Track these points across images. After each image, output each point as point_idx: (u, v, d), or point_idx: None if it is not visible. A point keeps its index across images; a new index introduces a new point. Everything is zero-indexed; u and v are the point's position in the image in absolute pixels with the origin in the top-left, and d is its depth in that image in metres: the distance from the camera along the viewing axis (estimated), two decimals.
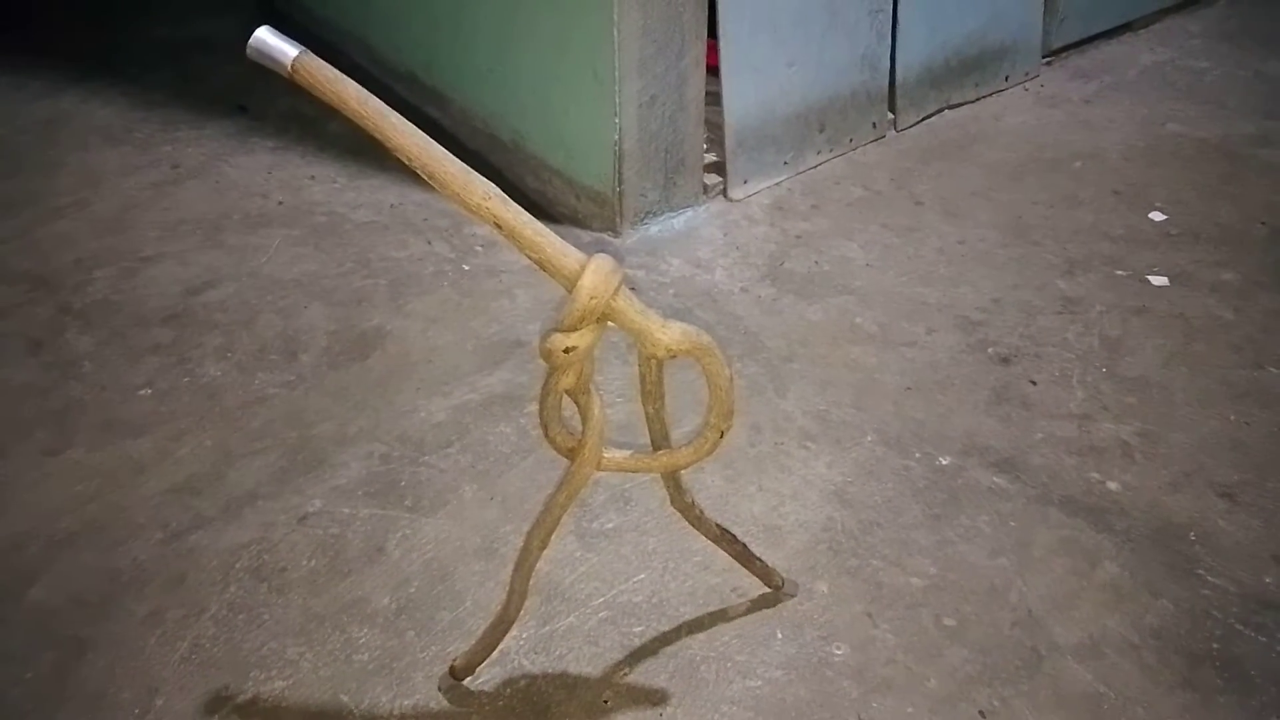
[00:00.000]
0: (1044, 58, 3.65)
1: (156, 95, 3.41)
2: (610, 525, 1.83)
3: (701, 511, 1.53)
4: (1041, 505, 1.88)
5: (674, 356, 1.21)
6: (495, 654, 1.57)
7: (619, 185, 2.58)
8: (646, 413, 1.34)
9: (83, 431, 2.04)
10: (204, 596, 1.70)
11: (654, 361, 1.26)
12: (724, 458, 1.96)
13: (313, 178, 2.95)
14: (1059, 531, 1.83)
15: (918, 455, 1.99)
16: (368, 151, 2.95)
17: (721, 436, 1.28)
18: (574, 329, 1.16)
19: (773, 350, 2.27)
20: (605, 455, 1.31)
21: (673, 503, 1.49)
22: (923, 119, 3.26)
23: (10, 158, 3.05)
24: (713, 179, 2.82)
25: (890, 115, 3.17)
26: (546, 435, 1.30)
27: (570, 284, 1.13)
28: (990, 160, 3.09)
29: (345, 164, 3.00)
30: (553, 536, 1.38)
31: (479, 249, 2.62)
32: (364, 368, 2.21)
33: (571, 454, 1.31)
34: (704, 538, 1.58)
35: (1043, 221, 2.78)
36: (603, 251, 1.17)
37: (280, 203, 2.83)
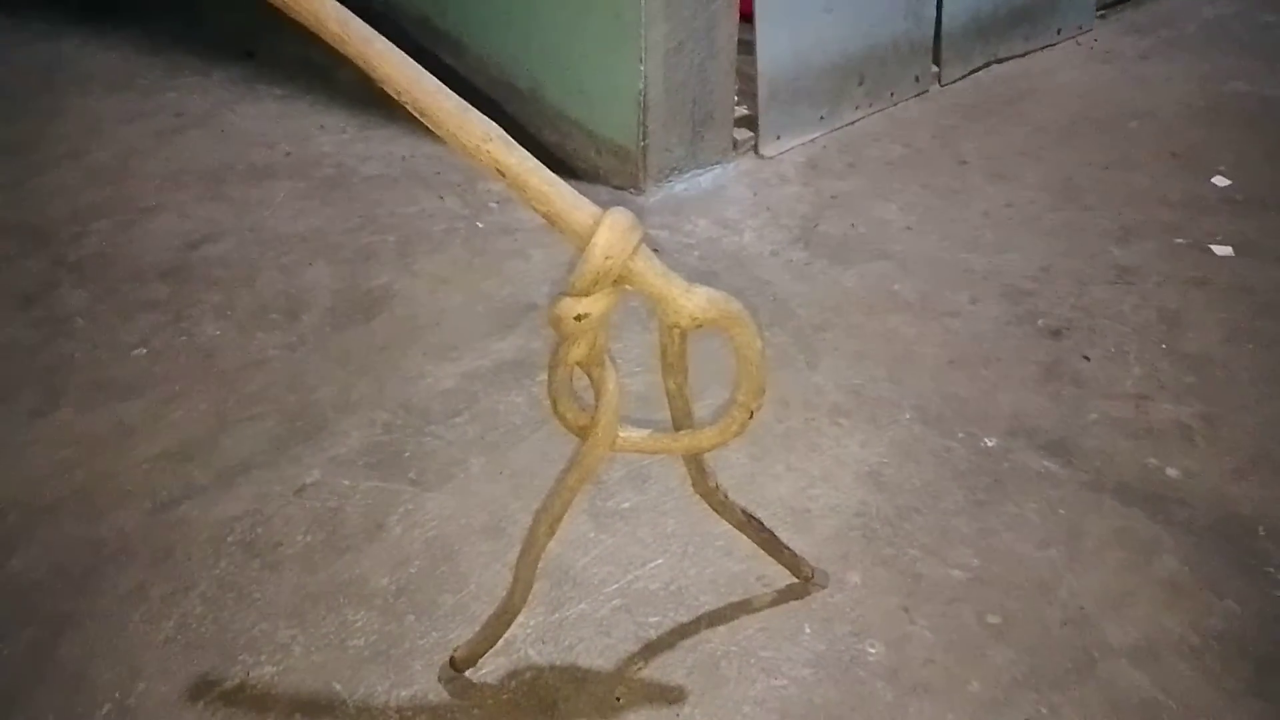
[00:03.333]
0: (1098, 10, 3.43)
1: (161, 40, 3.26)
2: (626, 505, 1.70)
3: (726, 496, 1.40)
4: (1094, 492, 1.74)
5: (699, 326, 1.07)
6: (500, 643, 1.45)
7: (643, 139, 2.42)
8: (668, 389, 1.20)
9: (72, 392, 1.94)
10: (192, 572, 1.59)
11: (677, 331, 1.12)
12: (748, 434, 1.82)
13: (321, 127, 2.81)
14: (1113, 521, 1.69)
15: (960, 435, 1.84)
16: (379, 102, 2.78)
17: (751, 416, 1.14)
18: (586, 293, 1.02)
19: (804, 319, 2.12)
20: (621, 435, 1.18)
21: (694, 487, 1.36)
22: (969, 73, 3.07)
23: (6, 103, 2.92)
24: (743, 134, 2.65)
25: (934, 68, 2.98)
26: (555, 412, 1.17)
27: (582, 242, 0.99)
28: (1040, 118, 2.89)
29: (355, 114, 2.86)
30: (562, 521, 1.25)
31: (494, 205, 2.48)
32: (368, 330, 2.09)
33: (583, 433, 1.18)
34: (728, 523, 1.45)
35: (1095, 184, 2.60)
36: (622, 208, 1.02)
37: (287, 153, 2.69)
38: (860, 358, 2.02)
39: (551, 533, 1.25)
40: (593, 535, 1.65)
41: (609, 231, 0.99)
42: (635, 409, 1.83)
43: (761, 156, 2.65)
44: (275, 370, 1.98)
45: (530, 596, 1.44)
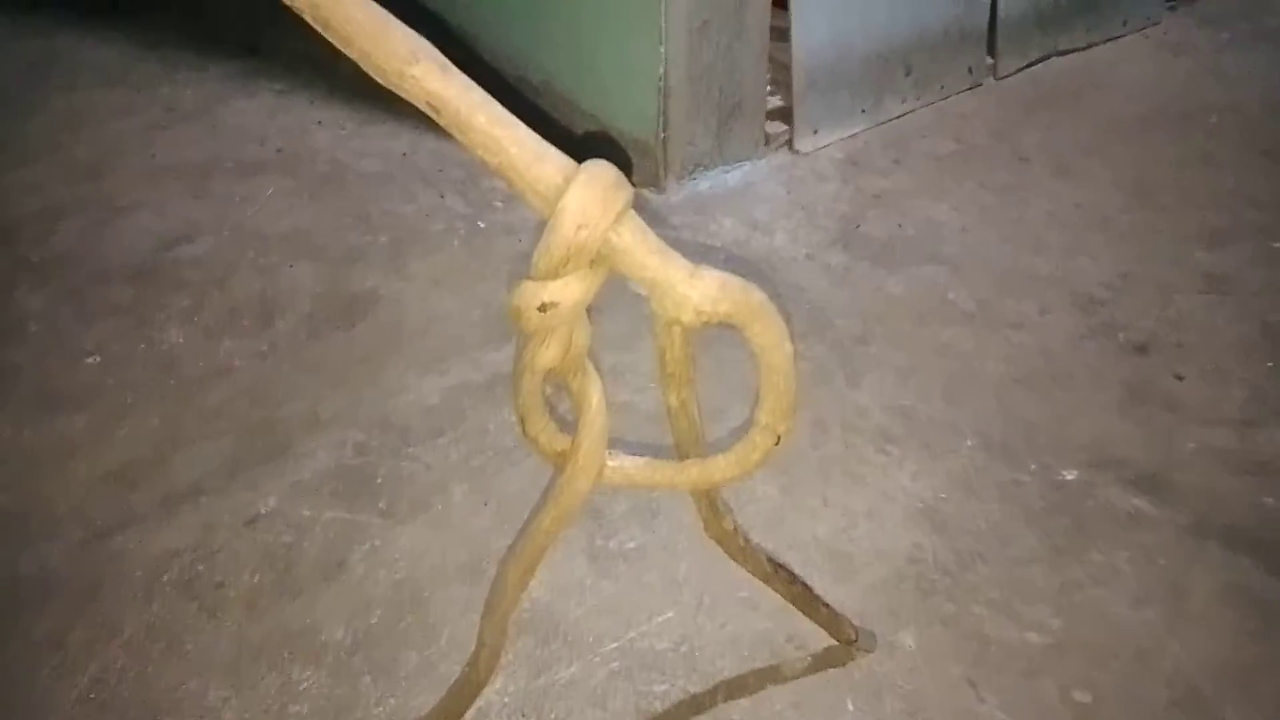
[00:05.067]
0: (1168, 3, 3.13)
1: (159, 35, 3.08)
2: (632, 545, 1.44)
3: (747, 540, 1.12)
4: (1197, 538, 1.44)
5: (708, 323, 0.81)
6: (469, 717, 1.19)
7: (663, 130, 2.17)
8: (668, 405, 0.94)
9: (13, 404, 1.72)
10: (119, 615, 1.35)
11: (678, 329, 0.86)
12: (778, 460, 1.55)
13: (319, 123, 2.59)
14: (1222, 574, 1.39)
15: (1032, 467, 1.55)
16: (383, 96, 2.58)
17: (777, 443, 0.87)
18: (554, 275, 0.76)
19: (843, 329, 1.85)
20: (609, 464, 0.92)
21: (707, 529, 1.09)
22: (1026, 65, 2.78)
23: None
24: (776, 127, 2.39)
25: (989, 60, 2.70)
26: (524, 434, 0.91)
27: (548, 206, 0.74)
28: (1107, 113, 2.60)
29: (356, 109, 2.64)
30: (535, 572, 0.99)
31: (498, 204, 2.24)
32: (349, 338, 1.85)
33: (561, 461, 0.92)
34: (752, 574, 1.18)
35: (1173, 184, 2.30)
36: (603, 161, 0.76)
37: (279, 149, 2.48)
38: (910, 374, 1.74)
39: (523, 585, 0.99)
40: (589, 581, 1.38)
41: (584, 191, 0.73)
42: (643, 429, 1.57)
43: (796, 152, 2.38)
44: (240, 382, 1.74)
45: (508, 656, 1.18)
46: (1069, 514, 1.48)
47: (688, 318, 0.80)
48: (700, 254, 2.05)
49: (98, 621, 1.35)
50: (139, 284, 2.01)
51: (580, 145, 2.35)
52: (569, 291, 0.77)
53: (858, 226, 2.14)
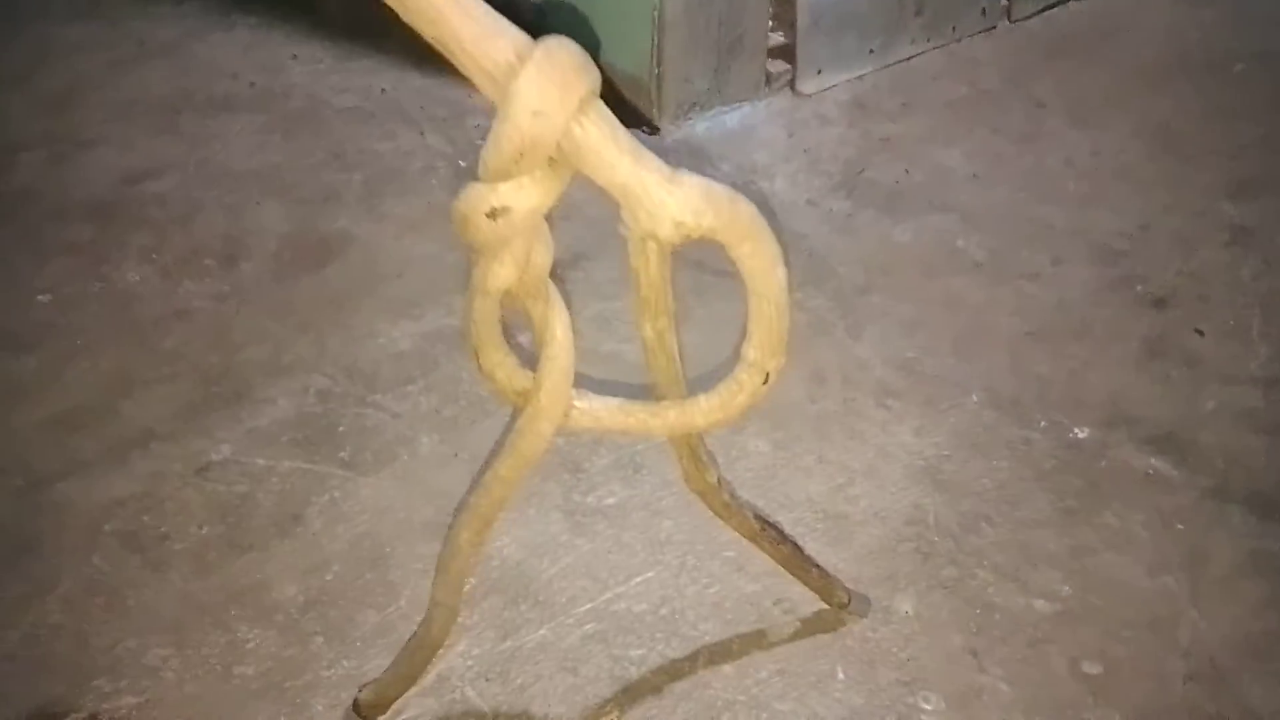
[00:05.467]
0: None
1: None
2: (611, 501, 1.34)
3: (733, 496, 1.02)
4: (1218, 501, 1.34)
5: (688, 238, 0.70)
6: (429, 678, 1.10)
7: (657, 67, 2.04)
8: (643, 337, 0.83)
9: None
10: (56, 569, 1.26)
11: (653, 246, 0.75)
12: (772, 414, 1.45)
13: (295, 57, 2.46)
14: (1246, 541, 1.29)
15: (1043, 424, 1.45)
16: (365, 30, 2.45)
17: (765, 382, 0.76)
18: (505, 175, 0.65)
19: (845, 278, 1.74)
20: (576, 405, 0.81)
21: (688, 482, 0.99)
22: (1043, 9, 2.63)
23: None
24: (778, 66, 2.25)
25: (1003, 2, 2.56)
26: (479, 369, 0.80)
27: (498, 89, 0.62)
28: (1128, 60, 2.46)
29: (336, 43, 2.50)
30: (492, 526, 0.88)
31: (481, 142, 2.11)
32: (317, 280, 1.74)
33: (521, 401, 0.81)
34: (738, 533, 1.08)
35: (1197, 133, 2.17)
36: (563, 39, 0.65)
37: (251, 84, 2.34)
38: (915, 326, 1.63)
39: (479, 539, 0.88)
40: (564, 538, 1.28)
41: (540, 72, 0.62)
42: (633, 387, 1.46)
43: (799, 94, 2.25)
44: (198, 324, 1.63)
45: (472, 617, 1.08)
46: (1081, 474, 1.38)
47: (664, 231, 0.69)
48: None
49: (34, 574, 1.25)
50: (99, 221, 1.89)
51: None
52: (523, 196, 0.66)
53: (862, 172, 2.02)
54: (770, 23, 2.20)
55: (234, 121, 2.20)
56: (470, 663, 1.14)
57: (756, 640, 1.17)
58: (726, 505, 1.00)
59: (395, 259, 1.78)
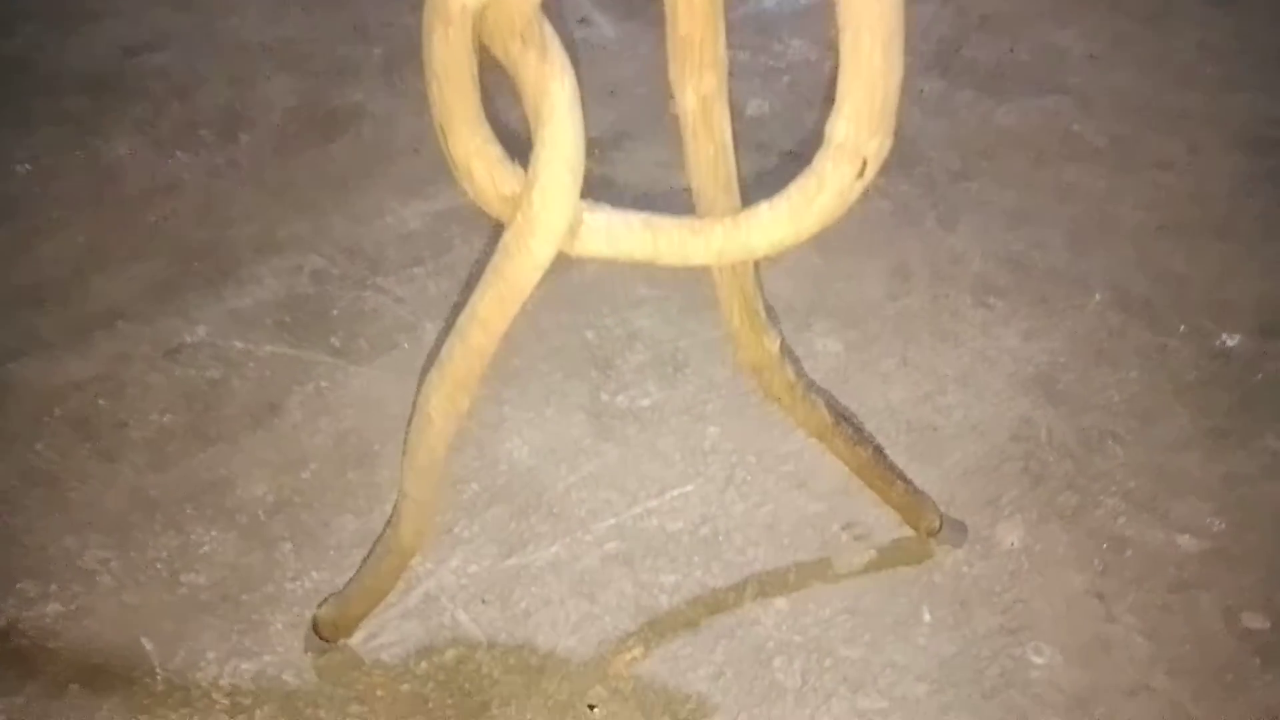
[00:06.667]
0: None
1: None
2: (646, 402, 1.11)
3: (799, 375, 0.78)
4: None
5: None
6: (414, 598, 0.89)
7: None
8: (682, 109, 0.58)
9: None
10: None
11: None
12: (844, 310, 1.20)
13: None
14: None
15: (1182, 329, 1.18)
16: None
17: (861, 173, 0.52)
18: None
19: (936, 163, 1.47)
20: (586, 217, 0.58)
21: (740, 351, 0.74)
22: None
23: None
24: None
25: None
26: (449, 157, 0.57)
27: None
28: None
29: None
30: (472, 389, 0.66)
31: None
32: (323, 154, 1.52)
33: (508, 208, 0.58)
34: (804, 430, 0.84)
35: None
36: None
37: None
38: (1022, 217, 1.36)
39: (455, 410, 0.66)
40: (587, 442, 1.06)
41: None
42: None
43: None
44: (187, 197, 1.44)
45: (471, 527, 0.87)
46: (1232, 389, 1.11)
47: None
48: (761, 78, 1.67)
49: None
50: (93, 92, 1.70)
51: None
52: None
53: (959, 50, 1.72)
54: None
55: None
56: (465, 581, 0.93)
57: (819, 571, 0.94)
58: (790, 387, 0.76)
59: (412, 134, 1.55)
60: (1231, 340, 1.17)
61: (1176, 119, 1.56)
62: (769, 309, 0.73)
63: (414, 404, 0.69)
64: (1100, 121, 1.54)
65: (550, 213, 0.56)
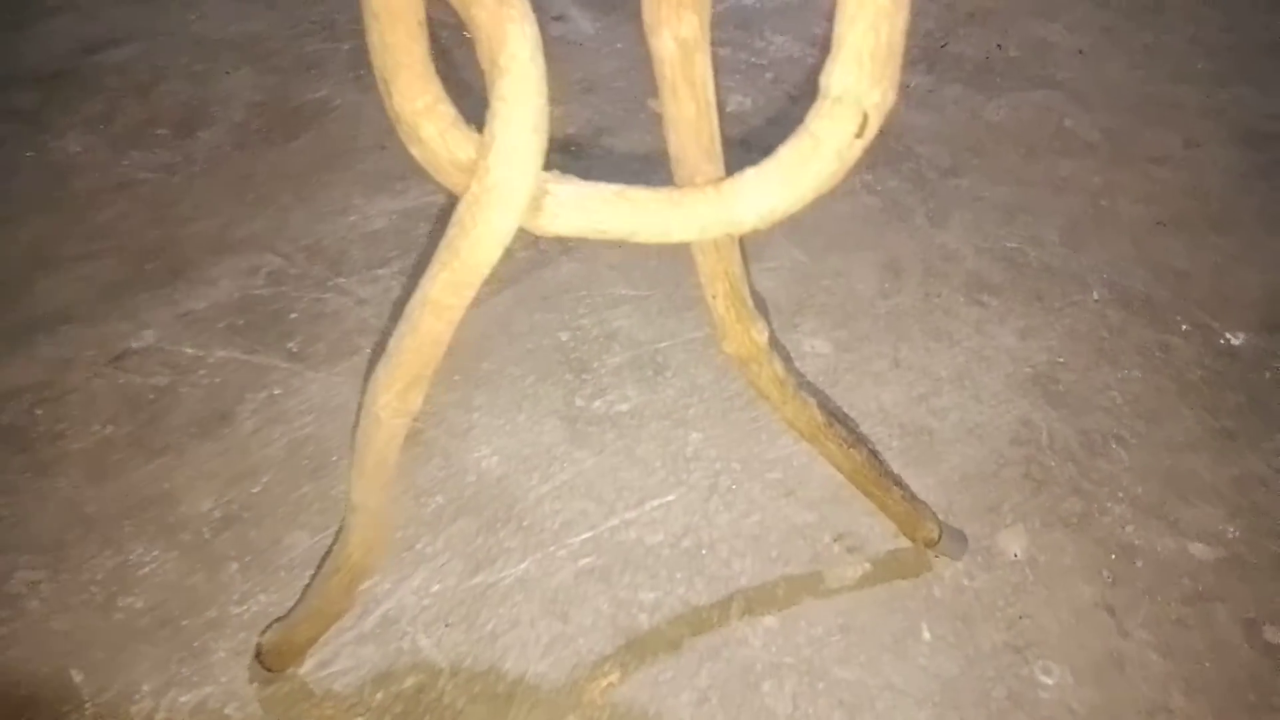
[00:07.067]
0: None
1: None
2: (624, 407, 1.04)
3: (788, 371, 0.72)
4: None
5: None
6: (370, 621, 0.82)
7: None
8: (657, 57, 0.52)
9: None
10: None
11: None
12: (832, 309, 1.14)
13: None
14: None
15: (1184, 327, 1.13)
16: None
17: (862, 129, 0.46)
18: None
19: (926, 159, 1.41)
20: (551, 187, 0.51)
21: (724, 341, 0.68)
22: None
23: None
24: None
25: None
26: (393, 116, 0.51)
27: None
28: None
29: None
30: (425, 383, 0.59)
31: None
32: (286, 151, 1.45)
33: (462, 175, 0.51)
34: (793, 431, 0.77)
35: None
36: None
37: None
38: (1015, 212, 1.31)
39: (405, 406, 0.59)
40: (562, 449, 0.99)
41: None
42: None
43: None
44: (141, 197, 1.36)
45: (434, 543, 0.80)
46: (1240, 388, 1.05)
47: None
48: (743, 74, 1.62)
49: None
50: (47, 89, 1.62)
51: None
52: None
53: (944, 45, 1.68)
54: None
55: None
56: (427, 602, 0.86)
57: (810, 585, 0.87)
58: (779, 382, 0.69)
59: (379, 130, 1.49)
60: (1236, 339, 1.11)
61: (1170, 113, 1.51)
62: (757, 297, 0.67)
63: (360, 404, 0.62)
64: (1093, 116, 1.50)
65: (510, 180, 0.50)
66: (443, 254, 0.54)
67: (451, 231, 0.53)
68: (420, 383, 0.58)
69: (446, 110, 0.51)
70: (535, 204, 0.52)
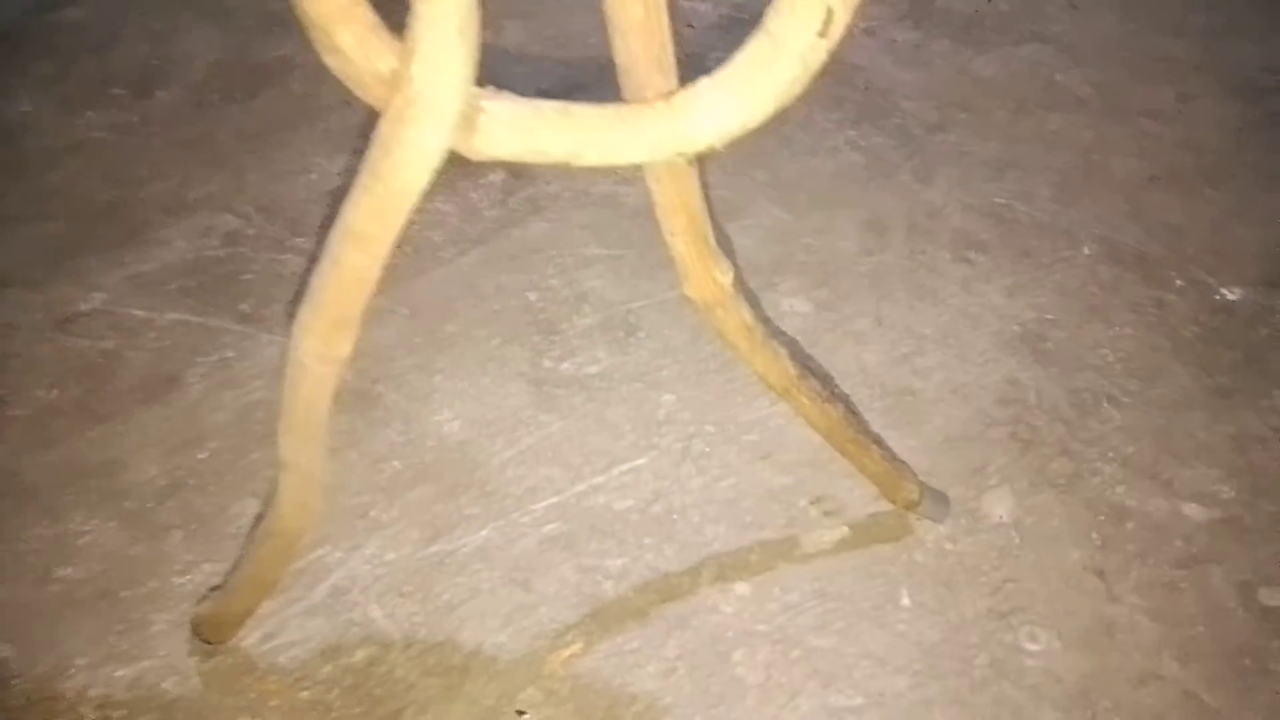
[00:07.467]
0: None
1: None
2: (593, 369, 0.99)
3: (757, 318, 0.67)
4: None
5: None
6: (320, 593, 0.77)
7: None
8: None
9: None
10: None
11: None
12: (812, 267, 1.10)
13: None
14: None
15: (1178, 283, 1.08)
16: None
17: (824, 31, 0.41)
18: None
19: (911, 114, 1.36)
20: (485, 104, 0.46)
21: (686, 283, 0.63)
22: None
23: None
24: None
25: None
26: (305, 24, 0.46)
27: None
28: None
29: None
30: (354, 324, 0.54)
31: None
32: (245, 109, 1.39)
33: (385, 90, 0.46)
34: (764, 383, 0.72)
35: None
36: None
37: None
38: (1004, 168, 1.26)
39: (334, 351, 0.55)
40: (528, 413, 0.94)
41: None
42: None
43: None
44: (94, 157, 1.30)
45: (390, 510, 0.76)
46: (1236, 344, 1.01)
47: None
48: (723, 30, 1.56)
49: None
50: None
51: None
52: None
53: (932, 0, 1.62)
54: None
55: None
56: (381, 571, 0.81)
57: (785, 550, 0.83)
58: (747, 329, 0.64)
59: (343, 88, 1.43)
60: (1232, 294, 1.07)
61: (1163, 67, 1.46)
62: (723, 240, 0.62)
63: (282, 350, 0.57)
64: (1084, 70, 1.45)
65: (436, 92, 0.45)
66: (364, 178, 0.49)
67: (373, 153, 0.48)
68: (347, 324, 0.53)
69: (364, 14, 0.46)
70: (467, 122, 0.47)
